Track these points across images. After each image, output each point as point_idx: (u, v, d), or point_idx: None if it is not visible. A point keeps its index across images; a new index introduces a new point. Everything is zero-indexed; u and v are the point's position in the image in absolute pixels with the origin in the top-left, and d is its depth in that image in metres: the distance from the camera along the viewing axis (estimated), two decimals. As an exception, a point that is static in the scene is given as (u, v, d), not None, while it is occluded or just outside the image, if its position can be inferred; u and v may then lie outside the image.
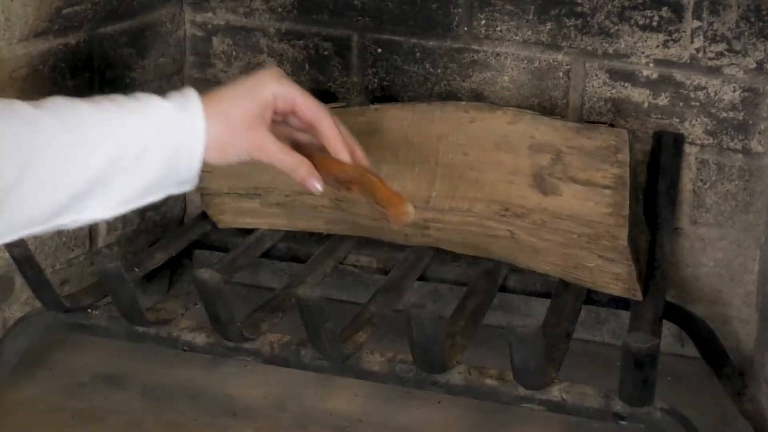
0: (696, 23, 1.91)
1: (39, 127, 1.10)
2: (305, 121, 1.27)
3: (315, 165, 1.47)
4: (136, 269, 1.86)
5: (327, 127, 1.27)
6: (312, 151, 1.31)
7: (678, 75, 1.95)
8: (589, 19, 1.97)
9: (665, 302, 1.83)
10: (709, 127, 1.95)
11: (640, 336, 1.48)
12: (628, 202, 1.72)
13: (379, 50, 2.10)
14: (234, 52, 2.19)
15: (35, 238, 1.92)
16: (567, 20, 1.98)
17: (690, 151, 1.96)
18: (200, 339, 1.70)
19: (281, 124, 1.30)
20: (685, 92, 1.95)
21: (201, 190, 2.00)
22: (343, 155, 1.28)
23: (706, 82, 1.93)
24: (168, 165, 1.17)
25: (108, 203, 1.16)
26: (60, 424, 1.78)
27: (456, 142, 1.84)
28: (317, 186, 1.27)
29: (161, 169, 1.17)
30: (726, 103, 1.93)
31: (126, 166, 1.14)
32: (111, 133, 1.14)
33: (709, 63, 1.92)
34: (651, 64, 1.96)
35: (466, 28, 2.05)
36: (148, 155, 1.16)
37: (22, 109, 1.11)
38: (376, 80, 2.12)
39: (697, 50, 1.93)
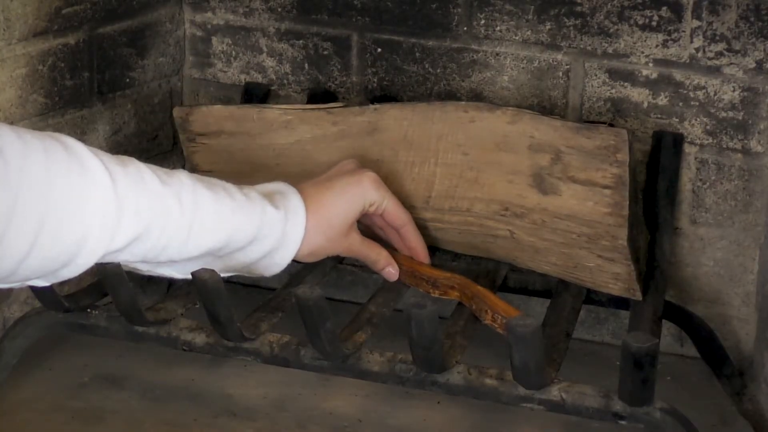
0: (695, 23, 1.92)
1: (158, 201, 1.22)
2: (392, 226, 1.45)
3: (402, 263, 1.75)
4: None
5: (412, 234, 1.47)
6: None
7: (677, 75, 1.95)
8: (588, 18, 1.97)
9: (665, 302, 1.83)
10: (708, 127, 1.95)
11: (639, 336, 1.48)
12: (627, 202, 1.72)
13: (379, 50, 2.11)
14: (233, 52, 2.19)
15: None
16: (566, 20, 1.99)
17: (689, 150, 1.96)
18: (200, 339, 1.70)
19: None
20: (685, 92, 1.95)
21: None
22: (423, 257, 1.52)
23: (706, 82, 1.93)
24: (260, 261, 1.33)
25: (190, 270, 1.30)
26: (60, 424, 1.78)
27: (455, 142, 1.84)
28: (394, 275, 1.49)
29: (251, 262, 1.32)
30: (725, 102, 1.93)
31: (223, 254, 1.29)
32: (221, 229, 1.27)
33: (709, 63, 1.93)
34: (650, 64, 1.96)
35: (465, 28, 2.05)
36: (246, 251, 1.28)
37: (151, 180, 1.20)
38: (375, 80, 2.12)
39: (697, 50, 1.93)
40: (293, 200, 1.29)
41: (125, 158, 1.22)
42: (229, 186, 1.28)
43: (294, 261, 1.34)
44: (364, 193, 1.34)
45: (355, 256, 1.37)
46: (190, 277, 1.26)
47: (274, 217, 1.25)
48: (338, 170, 1.46)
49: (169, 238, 1.19)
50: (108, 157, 1.19)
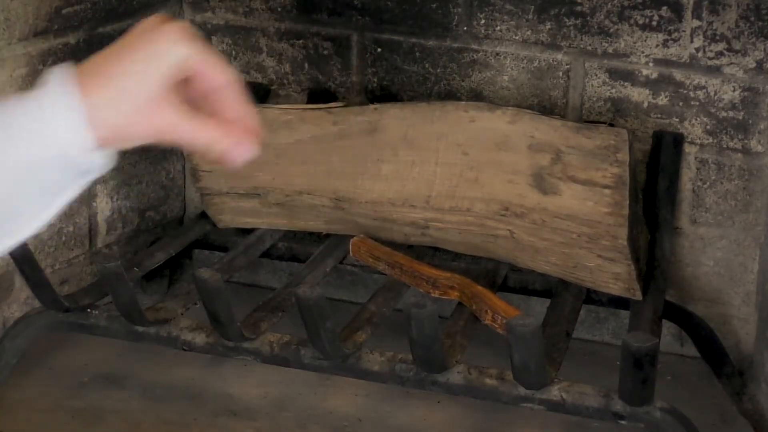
0: (696, 23, 1.91)
1: None
2: (212, 87, 1.05)
3: (402, 263, 1.73)
4: (135, 269, 1.86)
5: (235, 94, 1.05)
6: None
7: (678, 74, 1.95)
8: (588, 18, 1.97)
9: (665, 302, 1.83)
10: (708, 127, 1.95)
11: (639, 335, 1.48)
12: (627, 202, 1.72)
13: (379, 50, 2.10)
14: (233, 52, 2.19)
15: (35, 237, 1.92)
16: (566, 20, 1.98)
17: (690, 150, 1.96)
18: (200, 338, 1.70)
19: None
20: (685, 92, 1.95)
21: (201, 189, 2.00)
22: (257, 129, 1.05)
23: (706, 82, 1.93)
24: (57, 169, 0.98)
25: (15, 231, 1.02)
26: (60, 424, 1.78)
27: (455, 142, 1.84)
28: (242, 154, 1.03)
29: (53, 181, 1.00)
30: (726, 102, 1.93)
31: (12, 191, 0.98)
32: None
33: (709, 62, 1.92)
34: (651, 64, 1.96)
35: (465, 28, 2.05)
36: (29, 180, 0.96)
37: None
38: (375, 80, 2.12)
39: (697, 50, 1.93)
40: (50, 78, 1.00)
41: None
42: None
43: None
44: (166, 50, 0.99)
45: (183, 137, 0.96)
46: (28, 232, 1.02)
47: (20, 102, 0.99)
48: (130, 32, 1.04)
49: None
50: None
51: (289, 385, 1.88)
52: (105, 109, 0.98)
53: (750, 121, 1.92)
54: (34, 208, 0.99)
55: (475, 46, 2.05)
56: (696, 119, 1.95)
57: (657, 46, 1.94)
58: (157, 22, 1.02)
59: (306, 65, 2.15)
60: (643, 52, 1.96)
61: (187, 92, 1.02)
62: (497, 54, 2.04)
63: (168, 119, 1.00)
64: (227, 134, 1.03)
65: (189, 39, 1.01)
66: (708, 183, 1.96)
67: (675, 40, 1.93)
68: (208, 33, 2.20)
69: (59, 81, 0.98)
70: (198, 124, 1.02)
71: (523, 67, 2.03)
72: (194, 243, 2.03)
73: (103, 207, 2.06)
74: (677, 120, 1.96)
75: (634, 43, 1.96)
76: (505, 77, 2.04)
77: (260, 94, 2.17)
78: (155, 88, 0.99)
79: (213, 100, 1.04)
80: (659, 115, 1.97)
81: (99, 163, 0.98)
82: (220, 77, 1.03)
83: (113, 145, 0.98)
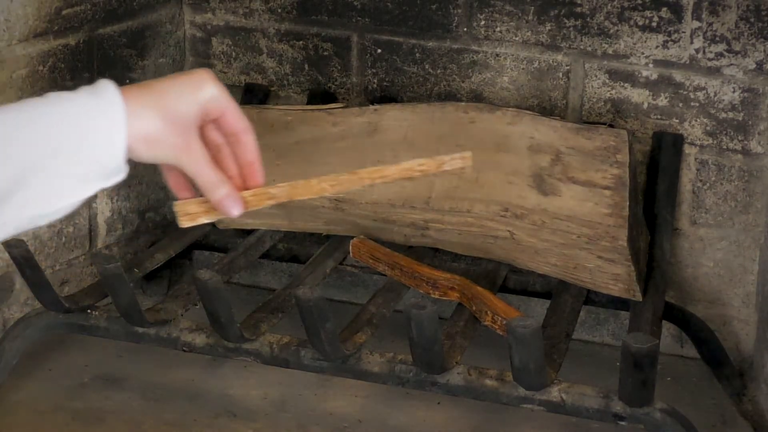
0: (695, 24, 1.92)
1: None
2: (230, 131, 1.19)
3: (402, 264, 1.74)
4: (135, 270, 1.86)
5: (252, 141, 1.20)
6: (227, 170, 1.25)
7: (677, 75, 1.95)
8: (588, 19, 1.97)
9: (665, 303, 1.83)
10: (708, 128, 1.95)
11: (639, 336, 1.48)
12: (627, 203, 1.72)
13: (379, 51, 2.11)
14: (233, 53, 2.19)
15: (35, 238, 1.92)
16: (566, 21, 1.99)
17: (689, 151, 1.96)
18: (200, 339, 1.70)
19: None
20: (685, 93, 1.95)
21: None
22: (260, 175, 1.21)
23: (706, 83, 1.93)
24: (90, 157, 1.10)
25: (34, 200, 1.11)
26: (60, 424, 1.78)
27: (455, 143, 1.84)
28: (234, 211, 1.17)
29: (83, 163, 1.11)
30: (725, 103, 1.93)
31: (44, 164, 1.09)
32: (16, 137, 1.09)
33: (709, 63, 1.93)
34: (650, 65, 1.96)
35: (465, 29, 2.05)
36: (66, 150, 1.08)
37: None
38: (375, 81, 2.12)
39: (697, 51, 1.93)
40: (100, 82, 1.13)
41: None
42: (22, 101, 1.17)
43: (135, 161, 1.12)
44: (203, 84, 1.15)
45: (195, 170, 1.12)
46: (43, 212, 1.10)
47: (76, 99, 1.11)
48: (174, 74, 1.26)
49: None
50: None
51: (289, 386, 1.88)
52: (144, 119, 1.10)
53: (750, 122, 1.92)
54: (44, 191, 1.08)
55: (475, 47, 2.05)
56: (696, 120, 1.95)
57: (657, 47, 1.95)
58: (195, 70, 1.16)
59: (306, 66, 2.15)
60: (643, 53, 1.96)
61: (206, 135, 1.17)
62: (497, 55, 2.04)
63: (190, 145, 1.13)
64: (227, 182, 1.16)
65: (221, 84, 1.15)
66: (708, 184, 1.96)
67: (675, 41, 1.94)
68: (208, 34, 2.20)
69: (108, 85, 1.09)
70: (208, 161, 1.15)
71: (523, 68, 2.03)
72: (194, 244, 2.03)
73: (103, 208, 2.06)
74: (677, 121, 1.96)
75: (634, 44, 1.96)
76: (505, 78, 2.04)
77: (260, 95, 2.17)
78: (190, 113, 1.13)
79: (230, 142, 1.18)
80: (659, 116, 1.97)
81: (120, 168, 1.10)
82: (240, 123, 1.17)
83: (136, 153, 1.10)
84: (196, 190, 1.20)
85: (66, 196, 1.10)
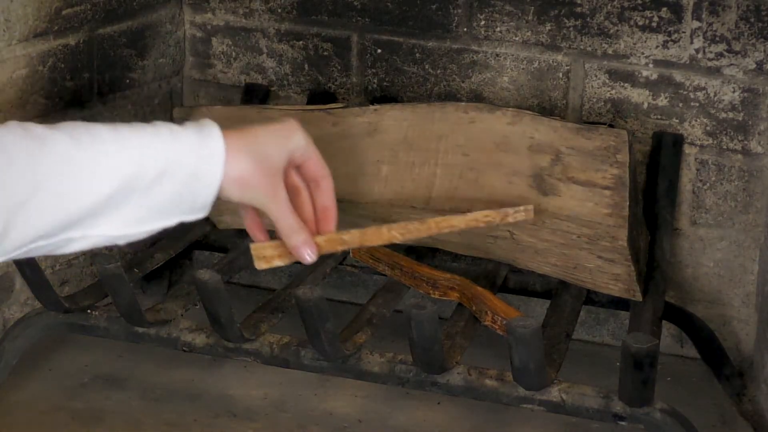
0: (695, 24, 1.92)
1: (52, 145, 1.11)
2: (312, 177, 1.29)
3: (402, 264, 1.73)
4: (135, 270, 1.86)
5: (331, 188, 1.30)
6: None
7: (677, 75, 1.95)
8: (588, 19, 1.97)
9: (665, 303, 1.83)
10: (708, 128, 1.95)
11: (639, 336, 1.48)
12: (627, 203, 1.72)
13: (379, 51, 2.11)
14: (233, 53, 2.19)
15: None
16: (566, 21, 1.99)
17: (689, 151, 1.96)
18: (200, 339, 1.70)
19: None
20: (685, 93, 1.95)
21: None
22: (334, 219, 1.31)
23: (706, 83, 1.93)
24: (185, 189, 1.17)
25: (120, 221, 1.17)
26: (60, 424, 1.78)
27: (455, 143, 1.84)
28: (309, 258, 1.26)
29: (177, 193, 1.17)
30: (725, 103, 1.93)
31: (142, 186, 1.15)
32: (128, 153, 1.15)
33: (709, 63, 1.93)
34: (650, 65, 1.96)
35: (465, 29, 2.05)
36: (165, 177, 1.15)
37: (35, 128, 1.13)
38: (375, 81, 2.12)
39: (697, 51, 1.93)
40: (204, 122, 1.22)
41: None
42: (134, 123, 1.24)
43: (223, 200, 1.22)
44: (293, 134, 1.26)
45: (277, 214, 1.23)
46: (126, 232, 1.16)
47: (183, 131, 1.19)
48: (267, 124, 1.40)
49: (72, 175, 1.13)
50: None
51: (289, 386, 1.88)
52: (240, 162, 1.18)
53: (750, 122, 1.92)
54: (134, 211, 1.15)
55: (475, 47, 2.05)
56: (696, 120, 1.95)
57: (657, 47, 1.95)
58: (285, 119, 1.27)
59: (306, 66, 2.15)
60: (643, 53, 1.96)
61: (287, 178, 1.26)
62: (497, 55, 2.04)
63: (276, 190, 1.23)
64: (305, 229, 1.26)
65: (307, 134, 1.27)
66: (708, 184, 1.96)
67: (675, 41, 1.94)
68: (208, 34, 2.20)
69: (213, 128, 1.18)
70: (290, 207, 1.25)
71: (523, 68, 2.03)
72: (194, 244, 2.03)
73: (103, 208, 2.06)
74: (677, 121, 1.96)
75: (634, 44, 1.96)
76: (505, 78, 2.04)
77: (260, 95, 2.17)
78: (280, 159, 1.23)
79: (309, 187, 1.29)
80: (659, 116, 1.97)
81: (208, 205, 1.18)
82: (322, 171, 1.29)
83: (226, 193, 1.18)
84: (269, 232, 1.29)
85: (149, 223, 1.17)
